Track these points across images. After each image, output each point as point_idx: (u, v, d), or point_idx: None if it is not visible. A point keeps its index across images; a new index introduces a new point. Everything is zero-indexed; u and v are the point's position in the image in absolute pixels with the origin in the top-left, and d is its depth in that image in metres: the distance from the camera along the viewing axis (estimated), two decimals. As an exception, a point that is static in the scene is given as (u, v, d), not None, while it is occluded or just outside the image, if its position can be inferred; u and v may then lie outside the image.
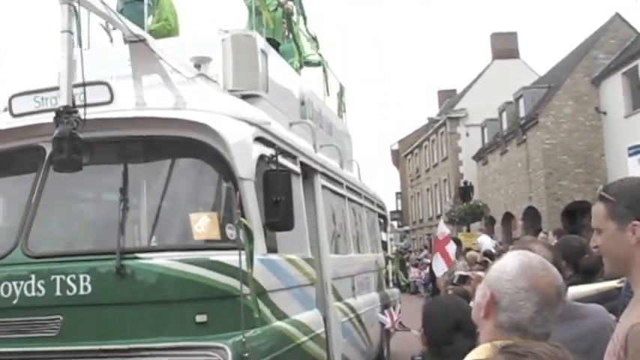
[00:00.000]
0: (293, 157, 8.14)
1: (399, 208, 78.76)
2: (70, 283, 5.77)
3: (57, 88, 5.64)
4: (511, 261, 2.73)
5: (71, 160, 5.00)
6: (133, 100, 6.66)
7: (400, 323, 10.71)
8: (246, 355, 5.55)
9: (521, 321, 2.59)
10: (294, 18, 12.62)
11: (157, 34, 9.80)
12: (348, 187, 11.75)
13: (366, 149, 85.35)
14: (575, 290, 5.01)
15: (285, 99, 9.60)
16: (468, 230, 40.32)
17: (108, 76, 6.89)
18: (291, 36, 12.41)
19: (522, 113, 41.07)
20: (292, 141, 8.27)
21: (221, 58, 8.32)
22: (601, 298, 5.11)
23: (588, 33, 44.62)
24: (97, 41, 9.73)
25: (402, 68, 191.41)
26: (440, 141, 59.88)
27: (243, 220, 5.84)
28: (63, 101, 5.13)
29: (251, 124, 6.97)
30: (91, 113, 5.68)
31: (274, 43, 10.81)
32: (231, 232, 6.11)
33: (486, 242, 25.65)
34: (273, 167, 6.76)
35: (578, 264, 6.18)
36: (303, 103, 10.67)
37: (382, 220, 16.40)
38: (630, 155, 23.95)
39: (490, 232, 40.21)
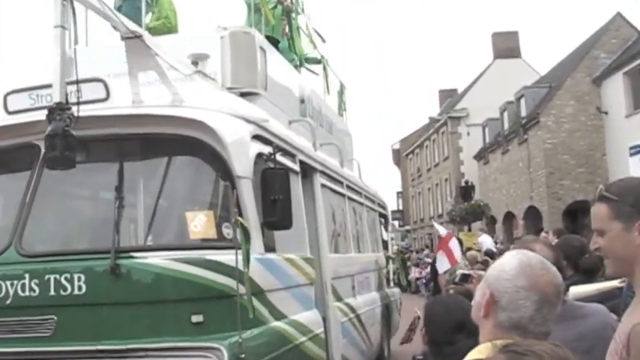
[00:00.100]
0: (292, 156, 8.07)
1: (400, 208, 78.79)
2: (64, 282, 5.70)
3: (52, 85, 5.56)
4: (510, 260, 2.72)
5: (64, 157, 4.92)
6: (129, 97, 6.58)
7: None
8: (243, 355, 5.48)
9: (520, 320, 2.58)
10: (294, 15, 12.53)
11: (157, 31, 9.76)
12: (348, 186, 11.69)
13: (367, 149, 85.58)
14: (576, 290, 5.00)
15: (284, 97, 9.52)
16: (469, 230, 40.33)
17: (106, 74, 6.80)
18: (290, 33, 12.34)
19: (523, 113, 41.05)
20: (291, 139, 8.20)
21: (219, 56, 8.24)
22: (602, 297, 5.07)
23: (589, 32, 44.71)
24: (95, 38, 9.68)
25: (403, 68, 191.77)
26: (441, 140, 59.86)
27: (239, 218, 5.76)
28: (56, 98, 5.05)
29: (249, 121, 6.89)
30: (87, 110, 5.63)
31: (274, 41, 10.74)
32: (227, 231, 6.05)
33: (487, 242, 25.65)
34: (271, 165, 6.67)
35: (579, 264, 6.14)
36: (302, 101, 10.59)
37: (383, 220, 16.33)
38: (631, 155, 23.89)
39: (491, 232, 40.27)
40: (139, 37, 6.20)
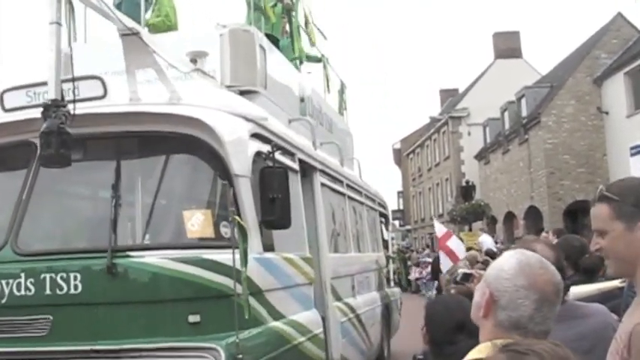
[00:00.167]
0: (291, 154, 8.02)
1: (401, 207, 78.84)
2: (60, 281, 5.65)
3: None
4: (509, 260, 2.71)
5: (59, 155, 4.85)
6: (127, 95, 6.52)
7: None
8: (240, 356, 5.43)
9: (520, 319, 2.58)
10: (294, 13, 12.48)
11: (156, 28, 9.73)
12: (348, 185, 11.64)
13: (368, 149, 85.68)
14: (577, 290, 4.96)
15: (284, 95, 9.47)
16: (470, 230, 40.32)
17: (104, 71, 6.75)
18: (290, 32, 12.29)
19: (524, 113, 41.06)
20: (291, 138, 8.15)
21: (219, 53, 8.19)
22: (602, 297, 5.08)
23: (590, 33, 44.63)
24: (94, 36, 9.65)
25: (404, 68, 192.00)
26: (442, 140, 59.87)
27: (237, 217, 5.71)
28: (51, 95, 4.99)
29: (247, 119, 6.84)
30: (84, 108, 5.58)
31: (273, 39, 10.69)
32: (225, 230, 6.00)
33: (487, 242, 25.56)
34: (270, 164, 6.61)
35: (579, 263, 6.13)
36: (302, 100, 10.55)
37: (383, 219, 16.28)
38: (632, 155, 23.86)
39: (492, 232, 40.25)
40: (136, 34, 6.14)
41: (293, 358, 6.95)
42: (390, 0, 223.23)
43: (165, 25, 9.95)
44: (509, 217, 44.26)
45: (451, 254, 14.61)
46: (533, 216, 39.03)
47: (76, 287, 5.64)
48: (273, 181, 6.38)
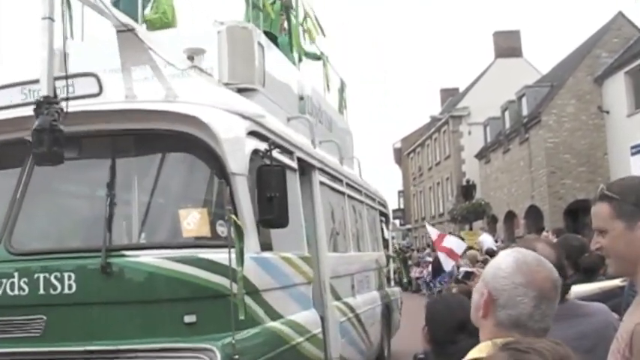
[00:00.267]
0: (289, 153, 7.95)
1: (402, 207, 78.89)
2: (54, 281, 5.58)
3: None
4: (506, 258, 2.71)
5: (52, 152, 4.77)
6: (122, 92, 6.44)
7: None
8: (237, 357, 5.37)
9: (520, 317, 2.57)
10: (293, 12, 12.41)
11: (153, 25, 9.68)
12: (347, 184, 11.58)
13: (368, 148, 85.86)
14: (578, 289, 4.93)
15: (283, 93, 9.42)
16: (470, 229, 40.34)
17: (102, 69, 6.68)
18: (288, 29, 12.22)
19: (525, 112, 41.07)
20: (289, 136, 8.08)
21: (216, 51, 8.13)
22: (603, 296, 5.05)
23: (591, 32, 44.62)
24: (92, 34, 9.59)
25: (404, 67, 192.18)
26: (442, 139, 59.89)
27: (233, 216, 5.64)
28: (43, 91, 4.91)
29: (245, 117, 6.76)
30: (79, 105, 5.52)
31: (272, 37, 10.62)
32: (222, 229, 5.93)
33: (488, 241, 25.51)
34: (268, 162, 6.54)
35: (579, 263, 6.11)
36: (302, 98, 10.49)
37: (383, 218, 16.22)
38: (633, 154, 23.84)
39: (492, 231, 40.26)
40: (131, 30, 6.07)
41: (291, 358, 6.89)
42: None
43: (162, 21, 9.91)
44: (510, 216, 44.27)
45: (451, 253, 14.56)
46: (534, 215, 39.02)
47: (70, 287, 5.58)
48: (270, 180, 6.31)
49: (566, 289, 3.92)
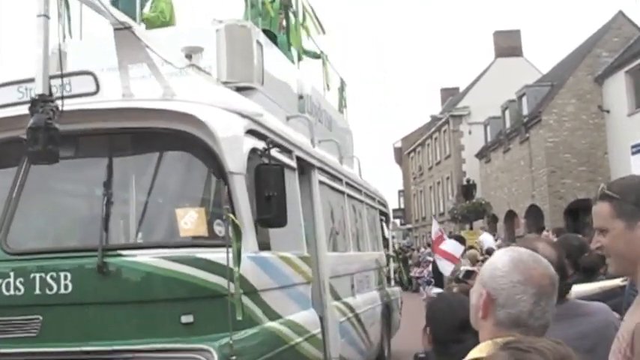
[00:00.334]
0: (288, 152, 7.91)
1: (402, 206, 78.90)
2: (50, 281, 5.54)
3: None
4: (501, 258, 2.71)
5: (47, 151, 4.72)
6: (120, 90, 6.40)
7: None
8: (234, 357, 5.32)
9: (520, 315, 2.57)
10: (292, 10, 12.36)
11: (151, 24, 9.65)
12: (347, 184, 11.54)
13: (369, 147, 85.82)
14: (579, 288, 4.93)
15: (282, 92, 9.37)
16: (471, 228, 40.31)
17: (100, 68, 6.64)
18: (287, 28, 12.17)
19: (525, 111, 41.09)
20: (288, 135, 8.04)
21: (215, 49, 8.09)
22: (604, 295, 5.06)
23: (591, 31, 44.53)
24: (91, 32, 9.56)
25: (404, 67, 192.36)
26: (443, 139, 59.90)
27: (231, 215, 5.59)
28: (38, 89, 4.86)
29: (243, 116, 6.71)
30: (76, 104, 5.48)
31: (271, 35, 10.57)
32: (219, 229, 5.89)
33: (488, 240, 25.50)
34: (266, 161, 6.49)
35: (579, 262, 6.08)
36: (301, 97, 10.45)
37: (384, 217, 16.18)
38: (633, 154, 23.85)
39: (493, 231, 40.22)
40: (128, 28, 6.03)
41: (290, 358, 6.84)
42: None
43: (160, 20, 9.89)
44: (511, 215, 44.27)
45: (449, 257, 14.47)
46: (535, 215, 39.02)
47: (66, 287, 5.53)
48: (268, 179, 6.26)
49: (566, 288, 3.91)
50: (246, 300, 5.84)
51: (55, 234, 6.60)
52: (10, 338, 5.57)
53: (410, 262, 38.19)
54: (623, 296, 4.73)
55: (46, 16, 4.91)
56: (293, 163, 7.97)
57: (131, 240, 6.16)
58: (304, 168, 8.68)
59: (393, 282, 16.38)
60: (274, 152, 6.88)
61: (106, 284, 5.57)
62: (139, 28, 6.57)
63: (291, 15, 12.08)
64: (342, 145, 11.96)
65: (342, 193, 11.15)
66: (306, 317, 7.55)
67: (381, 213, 15.73)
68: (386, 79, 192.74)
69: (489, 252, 18.23)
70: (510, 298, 2.57)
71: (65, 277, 5.54)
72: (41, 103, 4.74)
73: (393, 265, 16.90)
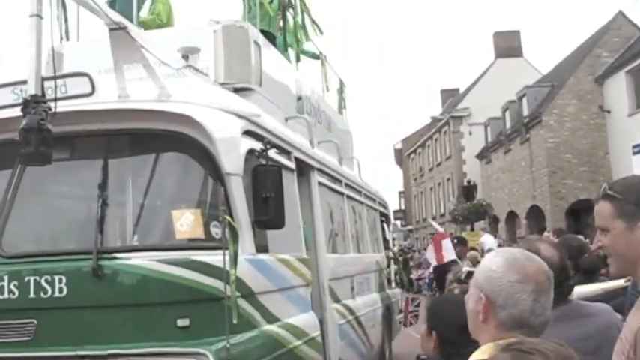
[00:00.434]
0: (287, 153, 7.83)
1: (403, 208, 78.94)
2: (44, 284, 5.48)
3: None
4: (494, 259, 2.71)
5: (39, 152, 4.65)
6: (115, 92, 6.34)
7: None
8: None
9: (522, 314, 2.58)
10: (291, 10, 12.30)
11: (147, 26, 9.60)
12: (347, 185, 11.46)
13: (369, 148, 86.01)
14: (581, 289, 4.90)
15: (280, 93, 9.32)
16: (472, 229, 40.32)
17: (97, 69, 6.59)
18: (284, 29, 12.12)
19: (525, 112, 41.12)
20: (286, 136, 7.96)
21: (212, 50, 8.04)
22: (606, 296, 5.02)
23: (591, 31, 44.57)
24: (88, 34, 9.52)
25: (404, 67, 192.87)
26: (443, 140, 59.94)
27: (227, 217, 5.53)
28: (31, 90, 4.80)
29: (240, 116, 6.64)
30: (71, 105, 5.42)
31: (270, 36, 10.51)
32: (216, 231, 5.82)
33: (489, 241, 25.49)
34: (264, 162, 6.42)
35: (579, 263, 6.10)
36: (300, 98, 10.40)
37: (384, 219, 16.11)
38: (634, 154, 23.81)
39: (494, 231, 40.29)
40: (123, 28, 5.96)
41: None
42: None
43: (156, 22, 9.85)
44: (512, 216, 44.27)
45: (437, 252, 14.27)
46: (536, 215, 39.01)
47: (61, 290, 5.47)
48: (266, 180, 6.18)
49: (569, 289, 3.87)
50: (243, 303, 5.78)
51: (50, 237, 6.54)
52: (4, 342, 5.51)
53: (411, 263, 38.17)
54: (626, 297, 4.81)
55: (39, 16, 4.84)
56: (291, 165, 7.89)
57: (127, 242, 6.09)
58: (303, 169, 8.61)
59: (393, 284, 16.31)
60: (272, 153, 6.82)
61: (101, 287, 5.50)
62: (135, 29, 6.49)
63: (289, 15, 12.03)
64: (342, 146, 11.90)
65: (342, 194, 11.07)
66: (305, 320, 7.47)
67: (382, 214, 15.66)
68: (386, 76, 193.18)
69: (490, 253, 18.15)
70: (510, 298, 2.57)
71: (60, 281, 5.48)
72: (34, 104, 4.66)
73: (393, 267, 16.82)
